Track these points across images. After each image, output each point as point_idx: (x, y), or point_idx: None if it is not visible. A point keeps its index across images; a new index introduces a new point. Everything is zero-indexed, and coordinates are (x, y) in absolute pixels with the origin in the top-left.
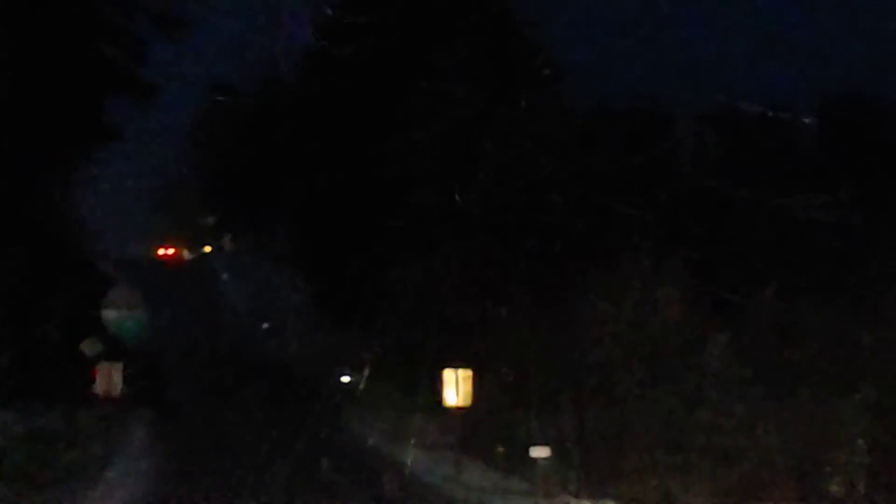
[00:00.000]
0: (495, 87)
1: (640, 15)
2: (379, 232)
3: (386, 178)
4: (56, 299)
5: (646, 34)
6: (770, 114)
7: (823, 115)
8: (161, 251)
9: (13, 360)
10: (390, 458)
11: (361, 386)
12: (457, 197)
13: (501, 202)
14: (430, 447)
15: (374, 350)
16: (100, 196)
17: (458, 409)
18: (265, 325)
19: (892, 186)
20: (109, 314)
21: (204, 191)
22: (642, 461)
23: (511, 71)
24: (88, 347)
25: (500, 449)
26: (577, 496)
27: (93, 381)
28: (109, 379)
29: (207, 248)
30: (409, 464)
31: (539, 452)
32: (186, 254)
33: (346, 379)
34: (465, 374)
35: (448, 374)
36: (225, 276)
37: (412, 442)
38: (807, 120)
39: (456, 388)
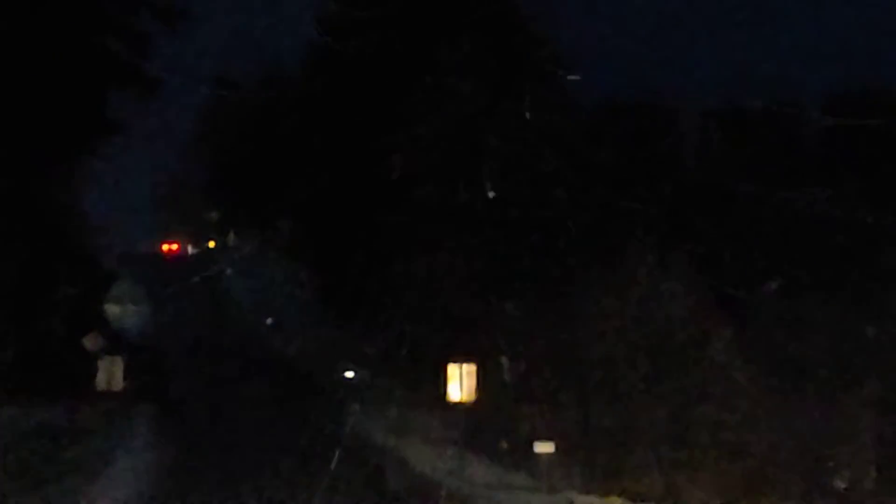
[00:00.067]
0: (500, 81)
1: (644, 10)
2: (383, 227)
3: (390, 173)
4: (59, 294)
5: (651, 29)
6: (775, 109)
7: (828, 111)
8: (165, 246)
9: (16, 355)
10: (394, 453)
11: (365, 381)
12: (461, 192)
13: (506, 197)
14: (434, 442)
15: (378, 345)
16: (104, 191)
17: (462, 404)
18: (269, 321)
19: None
20: (112, 309)
21: (208, 186)
22: (647, 456)
23: (516, 66)
24: (90, 342)
25: (504, 444)
26: (581, 491)
27: (95, 375)
28: (110, 373)
29: (211, 244)
30: (412, 459)
31: (543, 448)
32: (190, 249)
33: (349, 374)
34: (469, 369)
35: (452, 369)
36: (229, 271)
37: (416, 437)
38: (811, 115)
39: (460, 383)
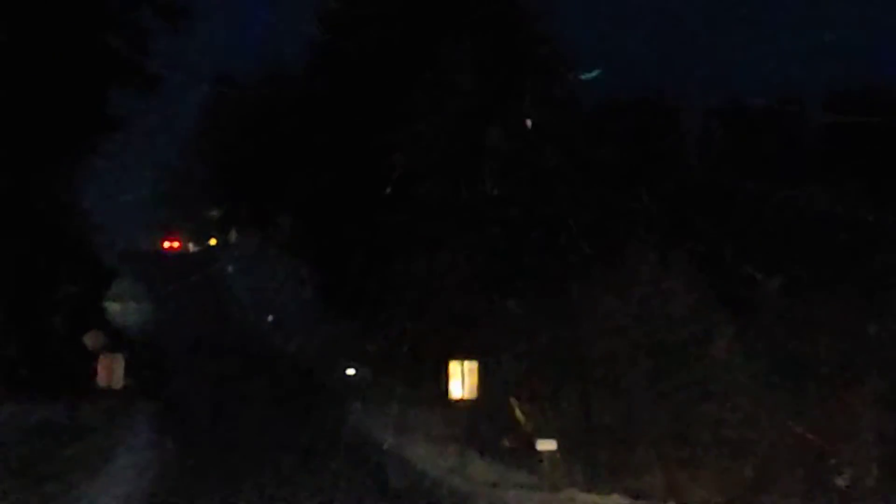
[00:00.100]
0: (501, 79)
1: (645, 7)
2: (384, 225)
3: (391, 170)
4: (60, 292)
5: (652, 27)
6: (776, 106)
7: (829, 108)
8: (166, 244)
9: (17, 352)
10: (395, 451)
11: (366, 379)
12: (462, 189)
13: (507, 194)
14: (436, 440)
15: (379, 343)
16: (105, 188)
17: (464, 401)
18: (270, 318)
19: None
20: (113, 307)
21: (209, 183)
22: (649, 454)
23: (517, 63)
24: (91, 340)
25: (506, 442)
26: (583, 489)
27: (95, 373)
28: (110, 371)
29: (213, 241)
30: (413, 457)
31: (545, 445)
32: (191, 246)
33: (351, 371)
34: (470, 367)
35: (454, 367)
36: (230, 268)
37: (417, 435)
38: (813, 113)
39: (462, 380)
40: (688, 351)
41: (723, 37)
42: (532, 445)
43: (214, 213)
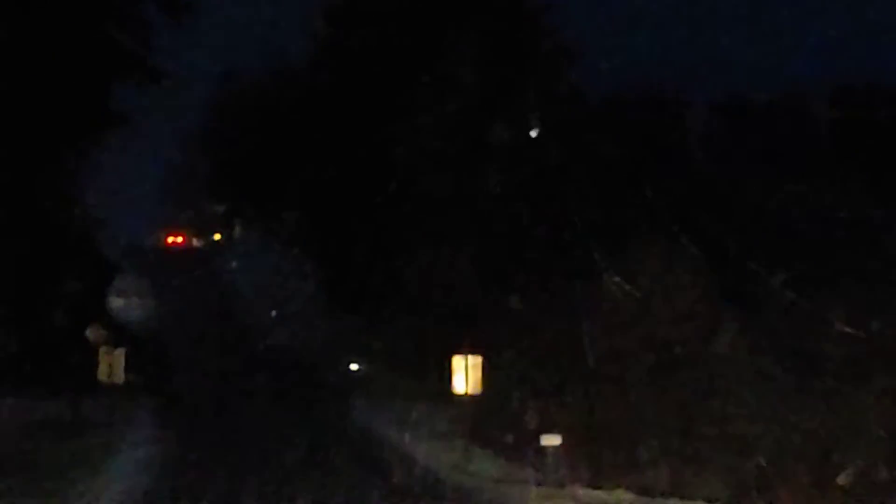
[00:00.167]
0: (506, 73)
1: (651, 2)
2: (388, 219)
3: (396, 165)
4: (62, 287)
5: (657, 21)
6: (781, 102)
7: (834, 103)
8: (170, 239)
9: (20, 347)
10: (398, 446)
11: (370, 374)
12: (466, 184)
13: (512, 189)
14: (439, 435)
15: (383, 338)
16: (110, 184)
17: (468, 396)
18: (273, 313)
19: None
20: (116, 302)
21: (214, 179)
22: (654, 450)
23: (522, 57)
24: (93, 334)
25: (510, 437)
26: (588, 485)
27: (97, 368)
28: (111, 366)
29: (217, 236)
30: (417, 452)
31: (550, 441)
32: (196, 241)
33: (354, 367)
34: (474, 361)
35: (457, 361)
36: (234, 263)
37: (421, 430)
38: (818, 108)
39: (465, 375)
40: (693, 346)
41: (727, 32)
42: (536, 441)
43: (219, 208)
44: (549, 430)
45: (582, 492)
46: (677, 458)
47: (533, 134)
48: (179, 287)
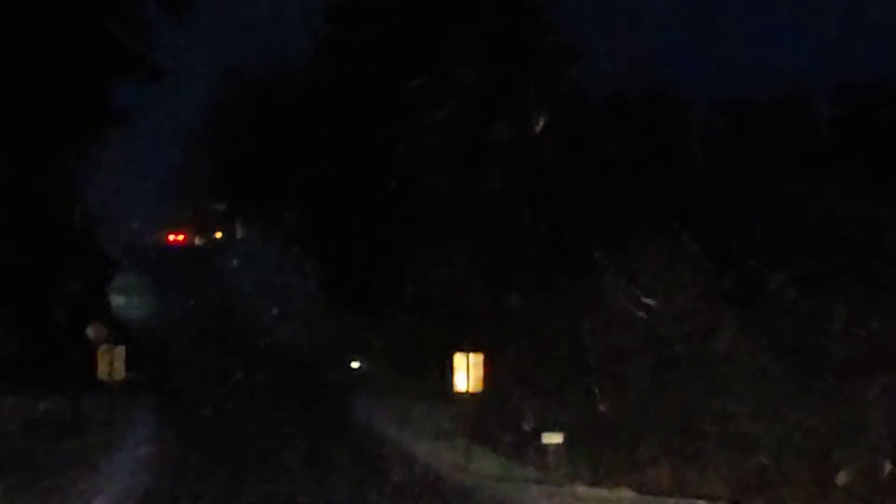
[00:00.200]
0: (508, 71)
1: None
2: (390, 218)
3: (397, 163)
4: (63, 285)
5: (659, 19)
6: (783, 100)
7: (837, 102)
8: (171, 237)
9: (20, 345)
10: (399, 445)
11: (371, 372)
12: (467, 182)
13: (513, 187)
14: (440, 434)
15: (384, 336)
16: (111, 182)
17: (469, 394)
18: (274, 311)
19: None
20: (117, 300)
21: (215, 177)
22: (655, 448)
23: (524, 55)
24: (93, 332)
25: (511, 436)
26: (589, 484)
27: (97, 366)
28: (112, 363)
29: (218, 235)
30: (417, 451)
31: (551, 439)
32: (197, 240)
33: (355, 365)
34: (476, 360)
35: (458, 359)
36: (235, 262)
37: (421, 428)
38: (820, 106)
39: (466, 373)
40: (695, 344)
41: (729, 31)
42: (538, 439)
43: (219, 206)
44: (551, 429)
45: (583, 490)
46: (678, 456)
47: (535, 130)
48: (180, 285)
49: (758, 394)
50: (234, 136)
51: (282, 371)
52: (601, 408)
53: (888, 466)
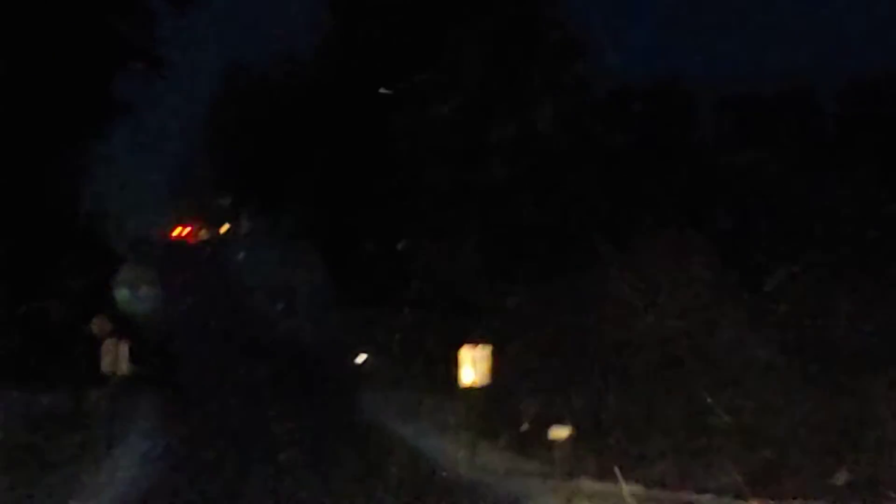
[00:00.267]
0: (513, 63)
1: None
2: (395, 210)
3: (402, 156)
4: (67, 278)
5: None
6: (790, 93)
7: (843, 95)
8: (177, 231)
9: (24, 339)
10: (405, 440)
11: (376, 366)
12: (473, 176)
13: (519, 181)
14: (446, 428)
15: (390, 329)
16: (116, 175)
17: (476, 388)
18: (280, 305)
19: None
20: (122, 293)
21: (220, 170)
22: (663, 443)
23: (529, 47)
24: (98, 326)
25: (518, 430)
26: (596, 478)
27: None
28: (115, 357)
29: (223, 228)
30: (423, 446)
31: (558, 433)
32: (203, 233)
33: (360, 358)
34: (482, 353)
35: (465, 353)
36: (240, 255)
37: (428, 423)
38: (826, 100)
39: (473, 367)
40: (703, 337)
41: (736, 23)
42: (545, 433)
43: (225, 200)
44: (558, 423)
45: (590, 484)
46: (685, 450)
47: (540, 124)
48: (186, 278)
49: (764, 388)
50: (239, 130)
51: (287, 364)
52: (608, 402)
53: None
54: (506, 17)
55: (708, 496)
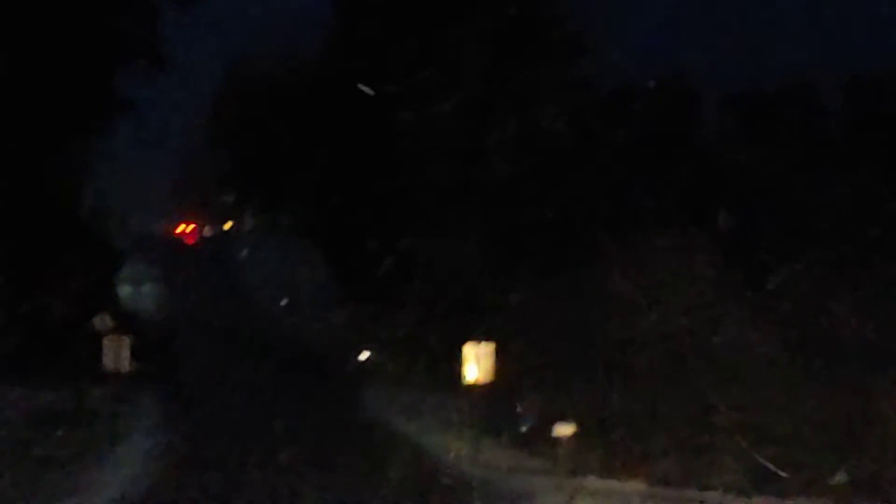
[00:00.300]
0: (517, 59)
1: None
2: (398, 207)
3: (405, 153)
4: (70, 275)
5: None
6: (794, 91)
7: (847, 92)
8: (180, 228)
9: (26, 336)
10: (408, 437)
11: (380, 363)
12: (477, 172)
13: (523, 177)
14: (450, 425)
15: (393, 326)
16: (119, 172)
17: (479, 385)
18: (283, 302)
19: None
20: (125, 290)
21: (224, 167)
22: (668, 440)
23: (534, 43)
24: (100, 323)
25: (523, 427)
26: (601, 475)
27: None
28: (117, 353)
29: (227, 225)
30: (427, 443)
31: (563, 430)
32: (206, 230)
33: (364, 356)
34: (486, 350)
35: (468, 350)
36: (244, 252)
37: (431, 420)
38: (831, 97)
39: (477, 363)
40: (707, 334)
41: (739, 21)
42: (549, 430)
43: (229, 197)
44: (562, 420)
45: (594, 482)
46: (690, 447)
47: (543, 121)
48: (189, 276)
49: (767, 386)
50: (241, 127)
51: (289, 362)
52: (611, 399)
53: None
54: (509, 15)
55: (712, 494)
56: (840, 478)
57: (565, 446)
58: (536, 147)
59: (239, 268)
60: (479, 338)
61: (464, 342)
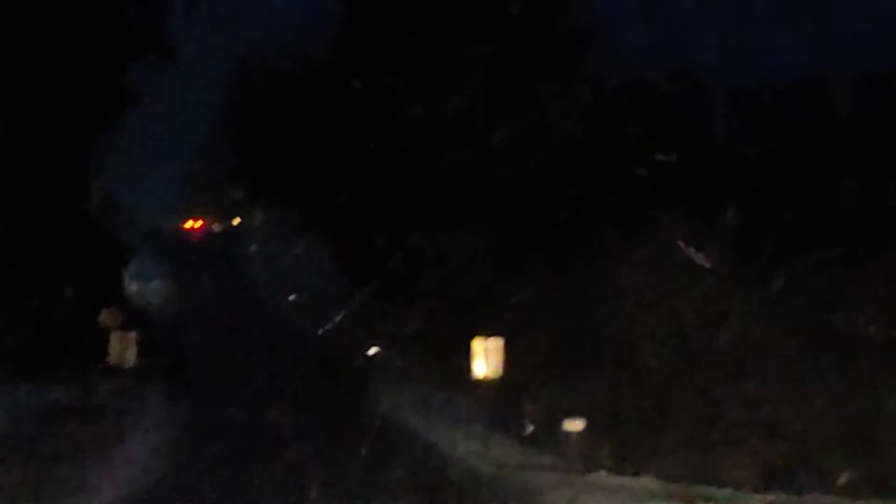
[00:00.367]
0: (525, 52)
1: None
2: (407, 204)
3: (415, 148)
4: (77, 270)
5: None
6: (804, 84)
7: (856, 85)
8: (189, 223)
9: (32, 331)
10: (417, 433)
11: (388, 358)
12: (487, 166)
13: (532, 171)
14: (459, 421)
15: (402, 321)
16: (127, 166)
17: (488, 380)
18: (292, 298)
19: None
20: (132, 286)
21: (233, 163)
22: (679, 435)
23: (542, 36)
24: (107, 318)
25: (532, 423)
26: (611, 471)
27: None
28: (123, 349)
29: (236, 221)
30: (436, 439)
31: (572, 426)
32: (216, 226)
33: (372, 351)
34: (495, 345)
35: (477, 345)
36: (253, 248)
37: (440, 416)
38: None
39: (486, 359)
40: (716, 330)
41: (748, 16)
42: (559, 426)
43: (238, 192)
44: (572, 415)
45: (605, 478)
46: (702, 443)
47: (553, 114)
48: (197, 271)
49: (782, 381)
50: (251, 122)
51: (298, 357)
52: (621, 395)
53: None
54: (517, 10)
55: (722, 490)
56: (850, 474)
57: (574, 442)
58: (545, 143)
59: (247, 263)
60: (487, 333)
61: (472, 338)
